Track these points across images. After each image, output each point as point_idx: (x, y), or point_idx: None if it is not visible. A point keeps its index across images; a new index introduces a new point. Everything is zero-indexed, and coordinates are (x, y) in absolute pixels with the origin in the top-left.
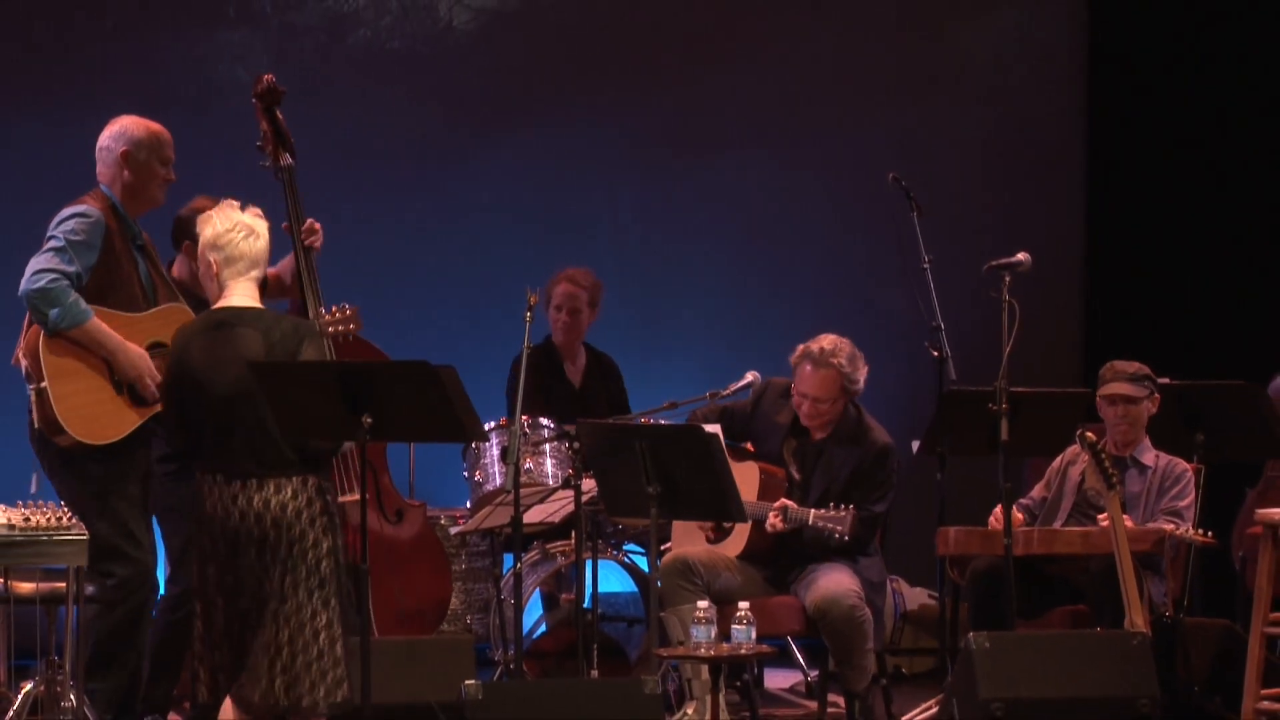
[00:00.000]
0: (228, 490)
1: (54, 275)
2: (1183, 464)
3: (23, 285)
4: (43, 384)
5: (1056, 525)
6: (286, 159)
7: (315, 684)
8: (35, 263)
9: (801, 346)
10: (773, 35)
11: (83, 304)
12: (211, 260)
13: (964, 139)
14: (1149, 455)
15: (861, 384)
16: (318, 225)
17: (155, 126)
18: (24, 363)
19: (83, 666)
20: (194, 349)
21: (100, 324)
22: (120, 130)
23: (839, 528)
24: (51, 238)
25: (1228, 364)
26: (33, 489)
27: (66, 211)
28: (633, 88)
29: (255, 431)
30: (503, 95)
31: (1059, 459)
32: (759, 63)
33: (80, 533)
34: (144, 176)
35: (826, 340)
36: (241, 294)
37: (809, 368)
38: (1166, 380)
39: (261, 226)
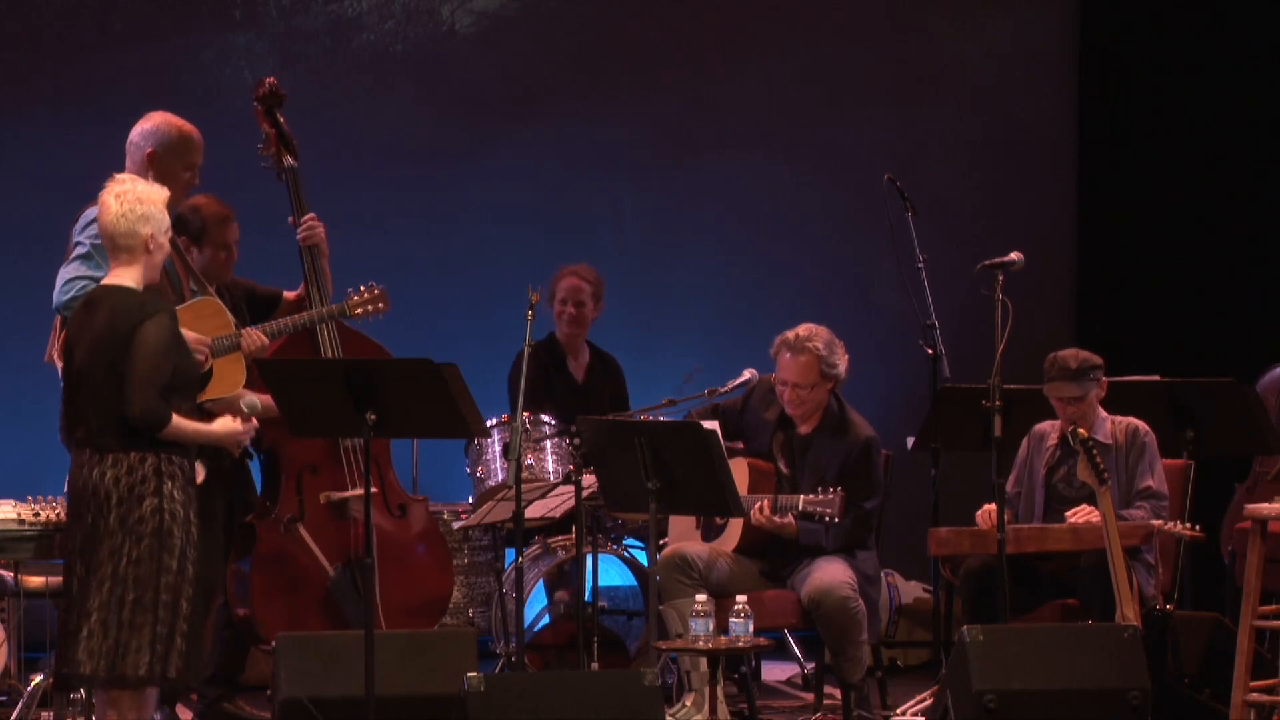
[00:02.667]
0: (84, 460)
1: (84, 283)
2: (1138, 425)
3: (55, 297)
4: None
5: (1035, 523)
6: (289, 160)
7: (123, 655)
8: (65, 272)
9: (779, 337)
10: (770, 40)
11: None
12: None
13: (957, 140)
14: (1105, 430)
15: (842, 370)
16: (317, 222)
17: (187, 129)
18: (60, 366)
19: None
20: (73, 324)
21: None
22: (152, 129)
23: (828, 510)
24: (78, 244)
25: (1217, 361)
26: (66, 487)
27: (90, 213)
28: (633, 91)
29: (99, 407)
30: (505, 98)
31: (1022, 450)
32: (757, 66)
33: None
34: (167, 178)
35: (803, 328)
36: (114, 272)
37: (787, 355)
38: (1156, 377)
39: (112, 199)
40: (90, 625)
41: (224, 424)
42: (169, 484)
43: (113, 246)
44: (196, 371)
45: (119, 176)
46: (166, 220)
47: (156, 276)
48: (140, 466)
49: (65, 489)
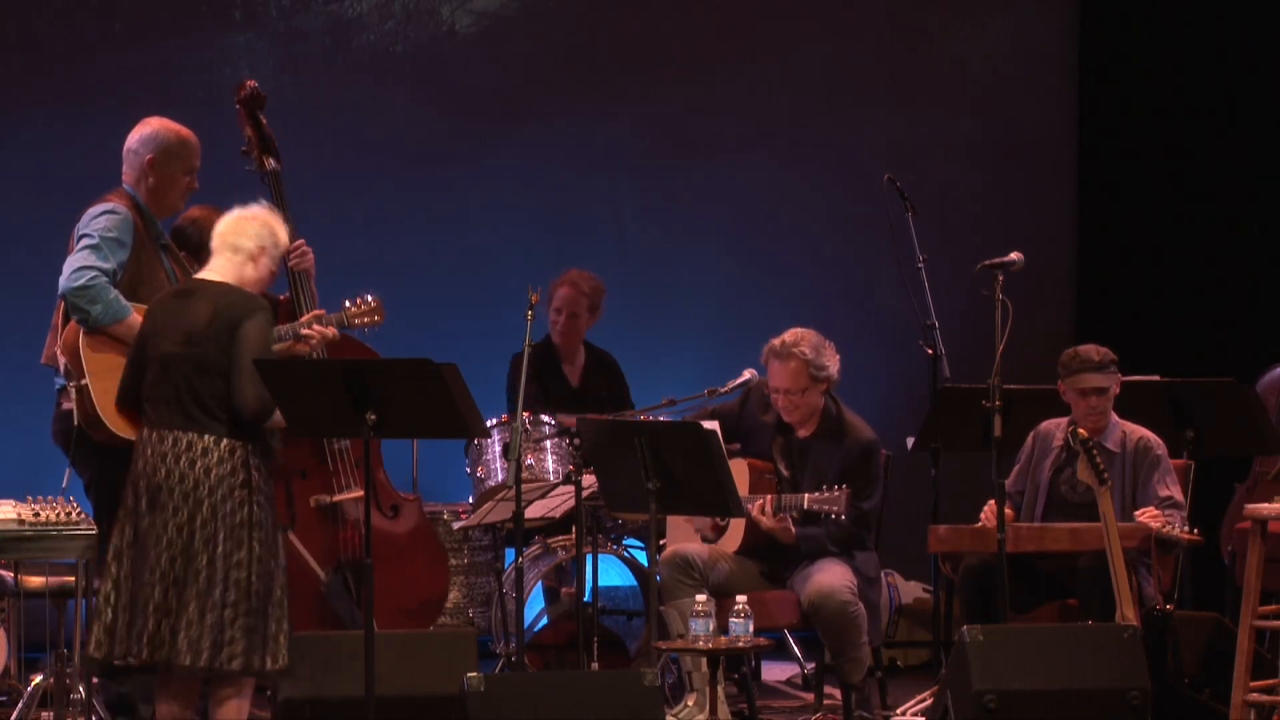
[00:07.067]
0: (159, 448)
1: (93, 273)
2: (1149, 437)
3: (62, 284)
4: (84, 381)
5: (1035, 524)
6: (271, 163)
7: (217, 646)
8: (72, 261)
9: (767, 345)
10: (771, 40)
11: (122, 299)
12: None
13: (957, 141)
14: (1114, 437)
15: (833, 371)
16: (308, 248)
17: (185, 133)
18: (62, 360)
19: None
20: (157, 312)
21: (140, 318)
22: (151, 135)
23: (834, 507)
24: (85, 236)
25: (1217, 361)
26: (64, 484)
27: (96, 210)
28: (633, 91)
29: (189, 394)
30: (505, 98)
31: (1027, 446)
32: (757, 65)
33: (89, 527)
34: (167, 184)
35: (789, 334)
36: (212, 267)
37: (775, 363)
38: (1156, 378)
39: (239, 209)
40: (188, 616)
41: None
42: (256, 475)
43: (220, 245)
44: None
45: (260, 210)
46: (277, 253)
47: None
48: (230, 457)
49: (133, 475)
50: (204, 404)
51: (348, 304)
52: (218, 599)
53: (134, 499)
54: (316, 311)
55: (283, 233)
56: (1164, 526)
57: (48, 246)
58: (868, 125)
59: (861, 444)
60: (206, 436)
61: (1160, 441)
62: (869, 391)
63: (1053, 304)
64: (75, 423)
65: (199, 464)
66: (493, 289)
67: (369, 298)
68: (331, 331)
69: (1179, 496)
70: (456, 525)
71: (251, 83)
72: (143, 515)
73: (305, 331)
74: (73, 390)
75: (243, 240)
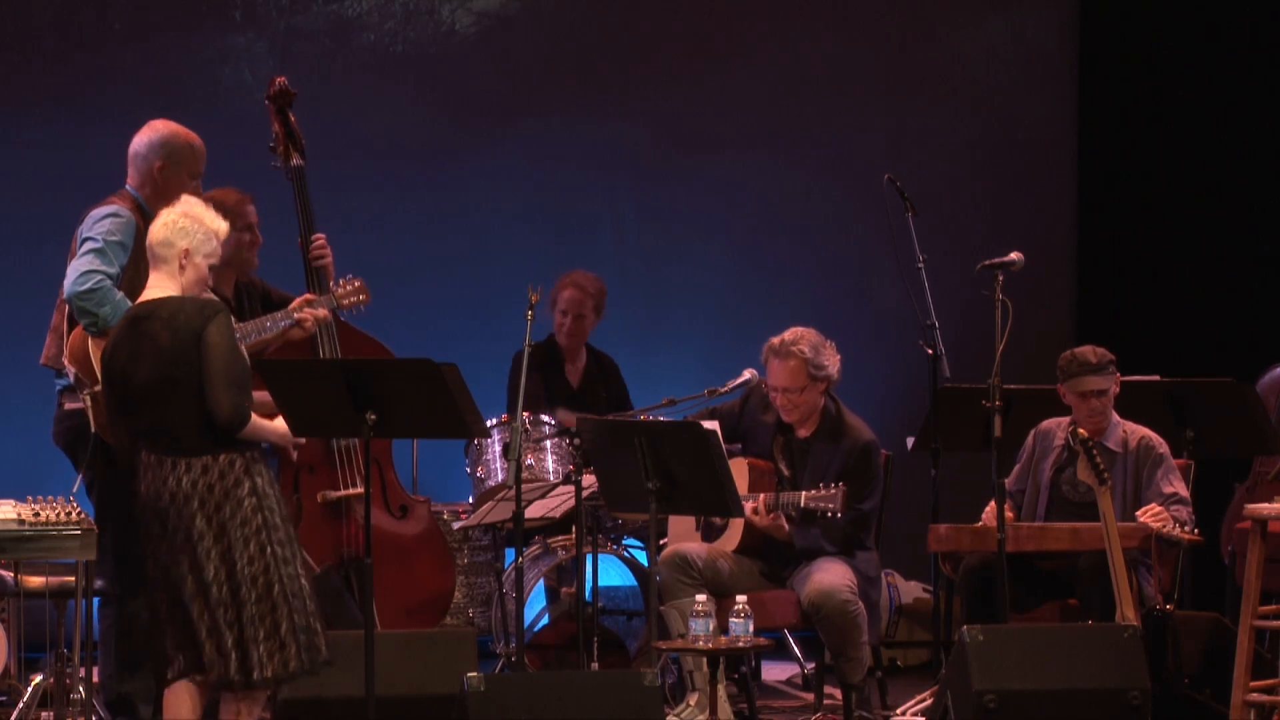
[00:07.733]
0: (160, 471)
1: (99, 276)
2: (1151, 436)
3: (68, 288)
4: (97, 388)
5: (1036, 523)
6: (297, 160)
7: (262, 658)
8: (77, 265)
9: (766, 344)
10: (770, 38)
11: (128, 302)
12: None
13: (957, 140)
14: (1115, 437)
15: (832, 370)
16: (328, 247)
17: (193, 138)
18: (71, 370)
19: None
20: (117, 345)
21: None
22: (160, 141)
23: (830, 505)
24: (88, 239)
25: (1217, 361)
26: (74, 489)
27: (99, 212)
28: (632, 90)
29: (175, 420)
30: (504, 98)
31: (1027, 445)
32: (757, 65)
33: (89, 527)
34: (172, 186)
35: (789, 333)
36: (153, 284)
37: (775, 361)
38: (1156, 378)
39: (166, 210)
40: (222, 631)
41: (283, 422)
42: (260, 480)
43: (153, 256)
44: (249, 372)
45: (187, 198)
46: (212, 247)
47: (198, 294)
48: (231, 470)
49: (141, 501)
50: (191, 425)
51: (334, 286)
52: (253, 612)
53: (146, 525)
54: (306, 296)
55: (212, 220)
56: (1164, 526)
57: (48, 246)
58: (868, 125)
59: (860, 444)
60: (204, 455)
61: (1162, 440)
62: (869, 391)
63: (1053, 304)
64: (92, 430)
65: (200, 483)
66: (493, 289)
67: (353, 279)
68: (324, 313)
69: (1184, 492)
70: (456, 525)
71: (281, 79)
72: (157, 541)
73: (299, 316)
74: (86, 398)
75: (166, 250)
